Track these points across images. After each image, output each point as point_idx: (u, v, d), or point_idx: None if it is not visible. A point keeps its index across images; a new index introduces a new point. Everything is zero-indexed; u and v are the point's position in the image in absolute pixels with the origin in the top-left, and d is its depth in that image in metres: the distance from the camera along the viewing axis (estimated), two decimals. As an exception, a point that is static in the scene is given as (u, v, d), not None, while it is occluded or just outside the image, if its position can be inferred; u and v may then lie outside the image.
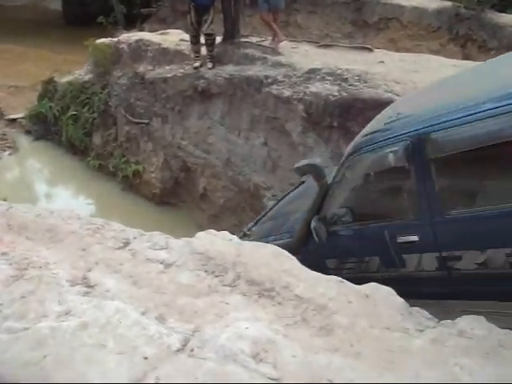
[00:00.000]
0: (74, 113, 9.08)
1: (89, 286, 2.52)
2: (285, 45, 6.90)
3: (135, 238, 3.07)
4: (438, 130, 2.61)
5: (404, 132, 2.77)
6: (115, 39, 8.80)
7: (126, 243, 3.00)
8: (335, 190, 3.30)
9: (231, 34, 7.02)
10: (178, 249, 2.93)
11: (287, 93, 5.80)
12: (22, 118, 10.40)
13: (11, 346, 2.00)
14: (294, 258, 2.78)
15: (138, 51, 8.14)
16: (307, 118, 5.65)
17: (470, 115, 2.46)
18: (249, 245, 2.99)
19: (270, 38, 6.95)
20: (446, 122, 2.57)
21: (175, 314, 2.27)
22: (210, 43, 6.91)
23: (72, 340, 2.00)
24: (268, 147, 6.23)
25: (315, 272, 2.65)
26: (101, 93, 8.72)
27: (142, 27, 13.85)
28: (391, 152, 2.81)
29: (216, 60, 6.89)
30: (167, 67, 7.47)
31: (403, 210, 3.02)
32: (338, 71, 5.73)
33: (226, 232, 3.16)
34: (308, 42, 7.40)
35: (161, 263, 2.74)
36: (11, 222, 3.12)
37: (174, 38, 8.16)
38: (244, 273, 2.57)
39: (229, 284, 2.52)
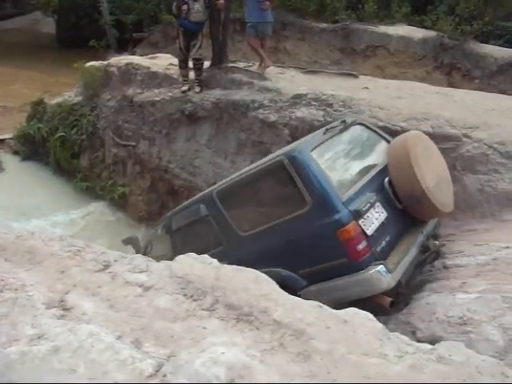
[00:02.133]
0: (63, 134, 9.06)
1: (65, 309, 2.47)
2: (272, 70, 7.00)
3: (116, 260, 3.04)
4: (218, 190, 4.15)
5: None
6: (105, 62, 8.88)
7: (106, 266, 2.96)
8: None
9: (219, 59, 7.11)
10: (157, 272, 2.89)
11: (273, 117, 5.85)
12: (10, 138, 10.37)
13: (-22, 371, 1.95)
14: (273, 282, 2.77)
15: (128, 74, 8.21)
16: (292, 142, 5.67)
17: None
18: (228, 268, 2.96)
19: (258, 63, 7.04)
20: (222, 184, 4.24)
21: (151, 339, 2.23)
22: (198, 68, 6.98)
23: (41, 365, 1.94)
24: (254, 171, 6.22)
25: (295, 297, 2.63)
26: (89, 115, 8.75)
27: (133, 51, 14.01)
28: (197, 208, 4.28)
29: (204, 84, 6.95)
30: (156, 91, 7.52)
31: (215, 241, 4.10)
32: (324, 97, 5.79)
33: (206, 255, 3.15)
34: (294, 67, 7.51)
35: (140, 286, 2.71)
36: None
37: (164, 62, 8.25)
38: (223, 297, 2.55)
39: (207, 308, 2.49)
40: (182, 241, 4.59)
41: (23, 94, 11.92)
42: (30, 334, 2.20)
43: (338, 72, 7.58)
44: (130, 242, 5.96)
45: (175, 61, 7.62)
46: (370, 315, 2.55)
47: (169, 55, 8.81)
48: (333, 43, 12.13)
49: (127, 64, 8.35)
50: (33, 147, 9.86)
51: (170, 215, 4.95)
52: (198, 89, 6.98)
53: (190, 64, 7.02)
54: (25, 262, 3.00)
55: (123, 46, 15.04)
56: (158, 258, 3.78)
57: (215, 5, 6.70)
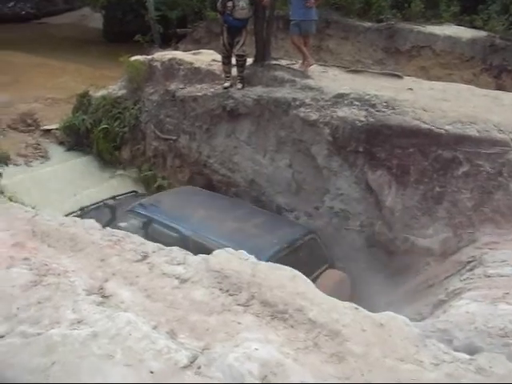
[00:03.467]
0: (106, 126, 9.23)
1: (104, 296, 2.56)
2: (314, 69, 6.93)
3: (154, 251, 3.09)
4: None
5: None
6: (149, 57, 8.98)
7: (145, 256, 3.02)
8: None
9: (262, 56, 7.08)
10: (194, 265, 2.93)
11: (314, 116, 5.79)
12: (57, 129, 10.64)
13: (22, 351, 2.02)
14: (309, 281, 2.75)
15: (171, 69, 8.28)
16: (333, 141, 5.62)
17: None
18: (264, 265, 2.97)
19: (300, 61, 7.00)
20: None
21: (186, 330, 2.26)
22: (241, 64, 6.99)
23: (81, 349, 2.00)
24: (293, 169, 6.21)
25: (330, 297, 2.61)
26: (132, 108, 8.88)
27: (176, 46, 14.11)
28: None
29: (246, 81, 6.95)
30: (198, 86, 7.56)
31: None
32: (366, 97, 5.70)
33: (243, 251, 3.16)
34: (337, 66, 7.41)
35: (176, 278, 2.75)
36: (35, 229, 3.23)
37: (207, 57, 8.29)
38: (258, 293, 2.55)
39: (242, 303, 2.50)
40: None
41: (70, 86, 12.22)
42: (70, 318, 2.27)
43: (382, 72, 7.45)
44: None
45: (218, 57, 7.66)
46: (406, 320, 2.50)
47: (212, 51, 8.84)
48: (376, 43, 11.92)
49: (171, 59, 8.43)
50: (77, 138, 10.09)
51: None
52: (239, 85, 7.00)
53: (233, 61, 7.05)
54: (67, 248, 3.11)
55: (167, 42, 15.13)
56: None
57: (260, 2, 6.70)
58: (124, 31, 16.25)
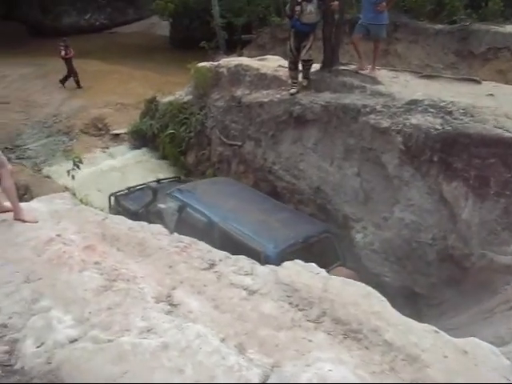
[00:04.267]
0: (172, 131, 9.46)
1: (172, 305, 2.54)
2: (384, 74, 6.70)
3: (221, 260, 3.05)
4: None
5: None
6: (216, 63, 9.10)
7: (212, 265, 2.98)
8: None
9: (330, 62, 6.94)
10: (263, 276, 2.86)
11: (385, 123, 5.57)
12: (125, 133, 11.04)
13: (95, 357, 2.03)
14: (385, 299, 2.60)
15: (237, 75, 8.33)
16: (405, 150, 5.37)
17: None
18: (337, 280, 2.84)
19: (369, 66, 6.78)
20: None
21: (255, 345, 2.19)
22: (307, 69, 6.91)
23: (152, 360, 1.98)
24: (361, 178, 6.01)
25: (407, 318, 2.45)
26: (198, 114, 9.03)
27: (241, 52, 14.25)
28: None
29: (313, 86, 6.84)
30: (264, 92, 7.54)
31: None
32: (442, 103, 5.41)
33: (314, 264, 3.05)
34: (409, 71, 7.11)
35: (244, 289, 2.70)
36: (106, 233, 3.30)
37: (273, 63, 8.26)
38: (330, 310, 2.44)
39: (313, 320, 2.41)
40: None
41: (138, 92, 12.66)
42: (140, 326, 2.26)
43: (458, 77, 7.05)
44: None
45: (284, 63, 7.62)
46: (494, 348, 2.29)
47: (278, 57, 8.81)
48: (448, 46, 11.38)
49: (237, 65, 8.48)
50: (144, 142, 10.40)
51: None
52: (305, 82, 6.91)
53: (300, 66, 6.96)
54: (135, 253, 3.14)
55: (232, 48, 15.35)
56: None
57: (329, 6, 6.57)
58: (190, 38, 16.67)
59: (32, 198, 7.72)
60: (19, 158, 10.02)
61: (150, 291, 2.68)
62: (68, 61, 13.59)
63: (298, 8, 6.54)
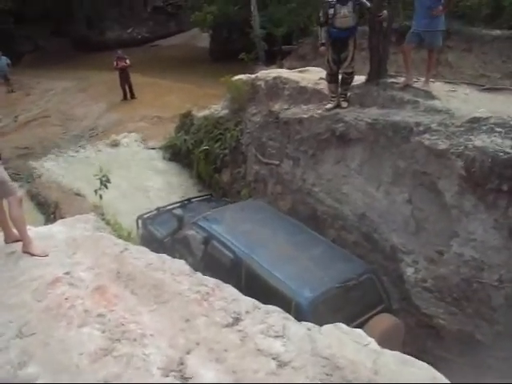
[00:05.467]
0: (206, 148, 9.13)
1: (183, 378, 2.18)
2: (440, 87, 6.02)
3: (248, 312, 2.65)
4: None
5: None
6: (253, 76, 8.67)
7: (236, 319, 2.59)
8: None
9: (377, 74, 6.31)
10: (296, 341, 2.39)
11: (443, 145, 4.89)
12: (160, 148, 10.85)
13: None
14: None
15: (275, 89, 7.85)
16: (467, 177, 4.68)
17: None
18: (391, 358, 2.26)
19: (423, 78, 6.11)
20: None
21: None
22: (348, 82, 6.36)
23: None
24: (412, 205, 5.35)
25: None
26: (234, 129, 8.65)
27: (281, 63, 14.00)
28: None
29: (358, 101, 6.24)
30: (304, 107, 7.01)
31: None
32: (512, 122, 4.70)
33: (361, 331, 2.50)
34: (468, 83, 6.37)
35: (273, 359, 2.28)
36: (121, 270, 3.06)
37: (314, 76, 7.73)
38: (382, 401, 1.92)
39: (359, 413, 1.91)
40: None
41: (175, 104, 12.52)
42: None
43: (528, 90, 6.25)
44: None
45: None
46: None
47: (319, 68, 8.26)
48: (507, 53, 10.51)
49: (275, 78, 8.01)
50: (178, 158, 10.16)
51: None
52: (344, 104, 6.34)
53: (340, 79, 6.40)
54: (150, 298, 2.79)
55: (272, 59, 15.15)
56: None
57: (376, 15, 5.98)
58: (229, 50, 16.61)
59: (60, 215, 7.58)
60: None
61: (158, 360, 2.28)
62: (124, 72, 13.84)
63: (331, 10, 6.03)
